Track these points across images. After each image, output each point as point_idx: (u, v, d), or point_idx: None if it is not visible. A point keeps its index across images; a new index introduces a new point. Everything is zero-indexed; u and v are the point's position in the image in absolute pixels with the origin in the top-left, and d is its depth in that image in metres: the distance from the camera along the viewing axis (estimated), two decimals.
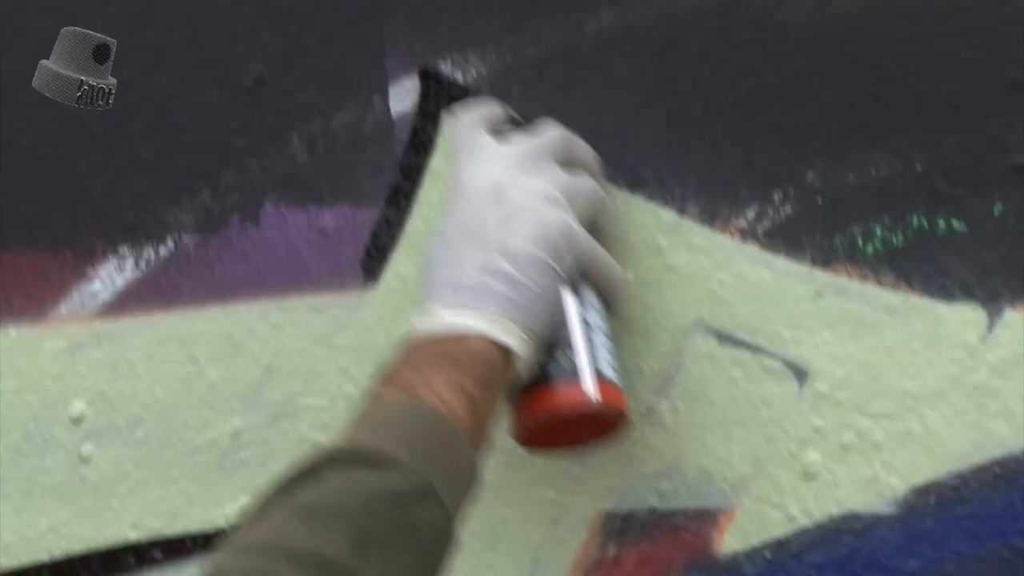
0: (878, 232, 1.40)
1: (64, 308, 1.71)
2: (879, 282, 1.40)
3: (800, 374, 1.42)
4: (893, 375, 1.39)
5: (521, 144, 1.38)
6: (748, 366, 1.45)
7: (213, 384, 1.65)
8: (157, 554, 1.66)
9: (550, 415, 1.31)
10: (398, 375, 1.27)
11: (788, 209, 1.43)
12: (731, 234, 1.46)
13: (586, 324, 1.35)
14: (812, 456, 1.42)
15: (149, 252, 1.68)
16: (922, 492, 1.39)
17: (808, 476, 1.43)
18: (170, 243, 1.68)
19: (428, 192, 1.55)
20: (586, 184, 1.38)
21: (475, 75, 1.54)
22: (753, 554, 1.45)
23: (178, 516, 1.66)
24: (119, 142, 1.69)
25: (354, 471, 1.19)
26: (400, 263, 1.55)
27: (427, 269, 1.34)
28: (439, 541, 1.20)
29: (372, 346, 1.57)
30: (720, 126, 1.47)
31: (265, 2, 1.63)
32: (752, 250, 1.43)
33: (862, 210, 1.40)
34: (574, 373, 1.31)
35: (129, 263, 1.69)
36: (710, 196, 1.45)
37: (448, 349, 1.27)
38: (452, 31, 1.56)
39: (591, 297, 1.37)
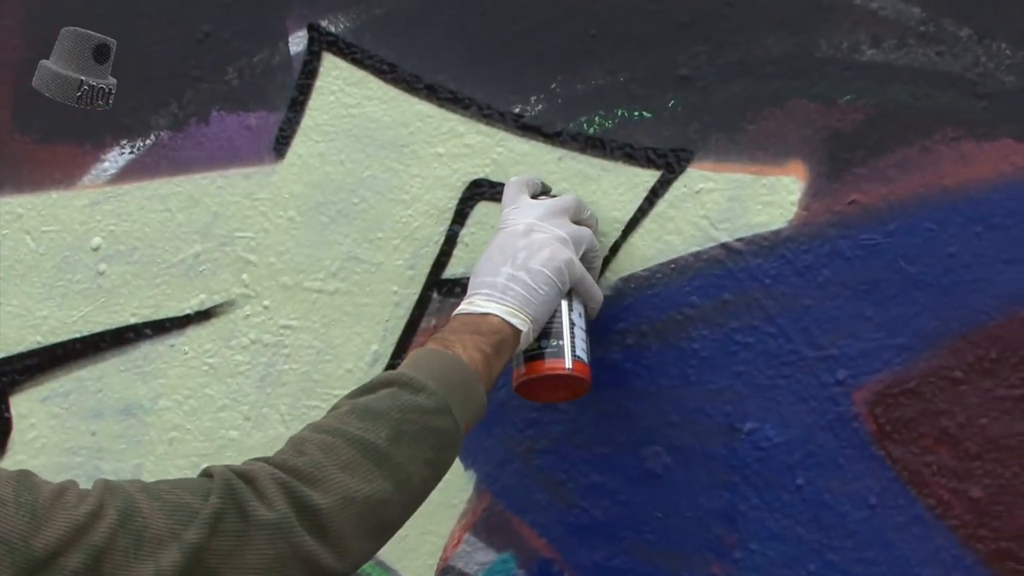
0: (596, 120, 1.67)
1: (86, 179, 1.92)
2: (597, 152, 1.67)
3: None
4: (606, 208, 1.67)
5: (548, 203, 1.62)
6: None
7: (180, 224, 1.89)
8: (147, 331, 1.92)
9: (540, 376, 1.59)
10: (442, 335, 1.51)
11: (539, 107, 1.70)
12: (498, 123, 1.71)
13: (572, 323, 1.59)
14: None
15: (139, 142, 1.90)
16: (626, 280, 1.68)
17: None
18: (152, 137, 1.89)
19: (314, 102, 1.80)
20: (586, 233, 1.62)
21: (342, 28, 1.77)
22: None
23: (160, 307, 1.91)
24: (120, 74, 1.79)
25: (399, 390, 1.42)
26: (298, 146, 1.81)
27: (474, 274, 1.57)
28: (449, 443, 1.44)
29: (281, 198, 1.83)
30: (498, 57, 1.70)
31: None
32: (517, 132, 1.70)
33: (586, 107, 1.66)
34: (560, 353, 1.58)
35: (127, 150, 1.91)
36: (491, 99, 1.70)
37: (477, 323, 1.52)
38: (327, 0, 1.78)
39: (578, 306, 1.61)
